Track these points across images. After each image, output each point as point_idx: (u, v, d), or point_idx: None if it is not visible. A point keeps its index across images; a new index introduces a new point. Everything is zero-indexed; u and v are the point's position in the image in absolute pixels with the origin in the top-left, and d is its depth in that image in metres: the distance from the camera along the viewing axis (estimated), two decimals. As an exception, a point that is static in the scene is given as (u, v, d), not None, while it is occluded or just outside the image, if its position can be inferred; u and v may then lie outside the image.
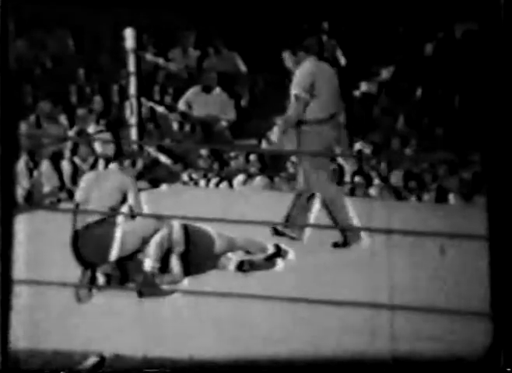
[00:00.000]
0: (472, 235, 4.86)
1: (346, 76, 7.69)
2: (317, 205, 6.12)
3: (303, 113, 6.31)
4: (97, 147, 7.32)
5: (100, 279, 5.17)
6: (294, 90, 6.33)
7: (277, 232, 5.85)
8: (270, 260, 5.63)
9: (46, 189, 6.97)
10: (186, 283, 5.36)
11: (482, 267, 4.35)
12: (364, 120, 7.54)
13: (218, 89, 7.69)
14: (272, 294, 4.96)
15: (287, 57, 6.34)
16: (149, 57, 7.71)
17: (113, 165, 5.75)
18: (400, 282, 5.27)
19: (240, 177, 7.30)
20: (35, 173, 7.03)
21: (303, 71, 6.42)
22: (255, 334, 4.70)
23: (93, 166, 7.20)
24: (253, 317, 4.90)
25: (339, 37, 7.91)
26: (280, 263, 5.65)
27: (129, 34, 7.19)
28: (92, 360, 4.47)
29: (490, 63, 3.78)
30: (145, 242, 5.34)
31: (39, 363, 4.52)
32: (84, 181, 5.79)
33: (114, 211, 5.42)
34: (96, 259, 5.27)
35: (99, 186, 5.60)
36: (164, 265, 5.34)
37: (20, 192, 6.85)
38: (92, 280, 5.14)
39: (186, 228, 5.53)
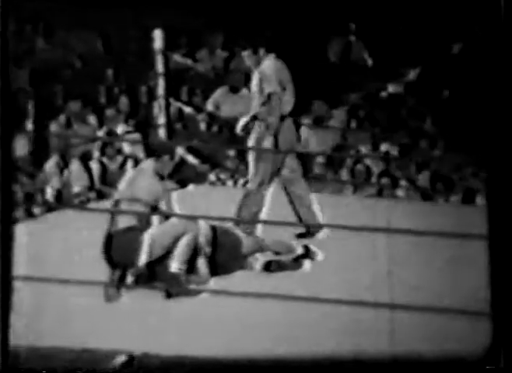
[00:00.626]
0: (472, 235, 4.87)
1: (373, 77, 7.69)
2: (268, 200, 6.15)
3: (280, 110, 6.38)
4: (126, 147, 7.38)
5: (129, 278, 5.21)
6: (269, 88, 6.34)
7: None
8: (297, 261, 5.64)
9: (75, 189, 7.03)
10: (212, 283, 5.38)
11: (482, 267, 4.36)
12: (391, 122, 7.54)
13: (245, 90, 7.72)
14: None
15: (247, 56, 6.36)
16: (177, 57, 7.76)
17: (148, 163, 5.76)
18: (400, 282, 5.28)
19: (267, 177, 7.32)
20: (65, 173, 7.09)
21: (270, 69, 6.44)
22: (279, 334, 4.71)
23: (122, 166, 7.26)
24: (277, 317, 4.91)
25: (366, 38, 7.91)
26: (307, 263, 5.67)
27: (157, 35, 7.24)
28: (120, 359, 4.51)
29: (490, 65, 3.79)
30: (175, 243, 5.37)
31: (65, 360, 4.55)
32: (125, 179, 5.80)
33: (151, 211, 5.44)
34: (127, 261, 5.30)
35: (140, 184, 5.62)
36: (191, 266, 5.36)
37: (50, 192, 6.92)
38: (122, 280, 5.17)
39: (214, 229, 5.55)
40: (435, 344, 4.54)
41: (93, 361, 4.51)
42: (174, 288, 5.17)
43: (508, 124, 3.76)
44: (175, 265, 5.28)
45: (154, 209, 5.46)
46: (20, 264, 4.94)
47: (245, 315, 4.97)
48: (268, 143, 6.59)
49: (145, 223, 5.44)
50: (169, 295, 5.18)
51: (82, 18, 8.05)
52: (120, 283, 5.15)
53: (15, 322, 4.64)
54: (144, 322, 4.92)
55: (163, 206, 5.53)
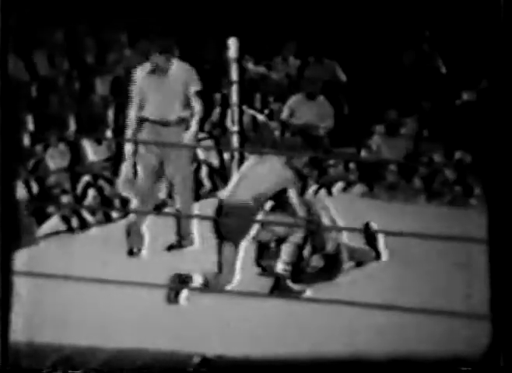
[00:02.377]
0: (472, 239, 4.81)
1: (447, 85, 7.66)
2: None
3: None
4: (200, 153, 7.49)
5: (198, 280, 5.26)
6: (197, 86, 6.28)
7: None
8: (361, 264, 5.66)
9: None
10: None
11: (481, 269, 4.33)
12: (465, 129, 7.48)
13: (321, 97, 7.76)
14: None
15: (157, 58, 6.30)
16: (250, 66, 7.86)
17: (275, 157, 5.55)
18: (400, 284, 5.25)
19: (339, 185, 7.35)
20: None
21: (185, 68, 6.38)
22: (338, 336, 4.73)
23: (196, 172, 7.37)
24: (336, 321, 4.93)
25: (440, 46, 7.87)
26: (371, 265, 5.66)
27: (232, 43, 7.34)
28: (196, 360, 4.58)
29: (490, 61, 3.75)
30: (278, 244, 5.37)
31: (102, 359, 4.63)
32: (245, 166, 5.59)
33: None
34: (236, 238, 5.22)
35: (253, 171, 5.43)
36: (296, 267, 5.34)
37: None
38: (183, 282, 5.21)
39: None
40: (435, 345, 4.52)
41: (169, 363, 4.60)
42: (278, 290, 5.19)
43: (508, 125, 3.73)
44: (281, 266, 5.29)
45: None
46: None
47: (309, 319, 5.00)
48: None
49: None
50: (272, 295, 5.20)
51: (161, 27, 8.21)
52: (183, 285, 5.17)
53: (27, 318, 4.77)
54: (201, 323, 4.98)
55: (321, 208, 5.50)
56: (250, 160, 5.54)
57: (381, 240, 5.80)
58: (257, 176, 5.35)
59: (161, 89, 6.15)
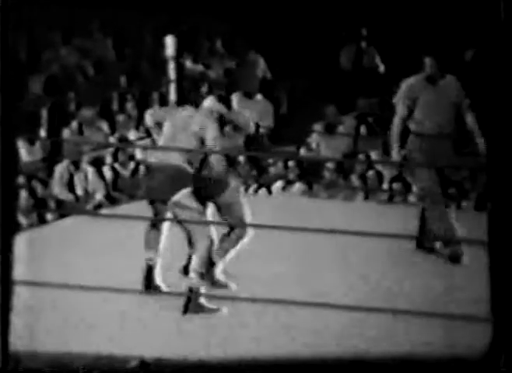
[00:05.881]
0: (472, 240, 4.84)
1: (385, 83, 7.68)
2: None
3: None
4: (138, 153, 7.40)
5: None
6: (467, 99, 6.10)
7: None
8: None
9: (95, 195, 7.07)
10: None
11: (482, 270, 4.37)
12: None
13: (259, 96, 7.73)
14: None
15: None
16: (188, 64, 7.78)
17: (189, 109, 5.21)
18: (400, 286, 5.28)
19: (279, 183, 7.33)
20: (75, 178, 7.13)
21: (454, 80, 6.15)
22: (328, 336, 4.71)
23: (134, 173, 7.28)
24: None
25: (378, 44, 7.91)
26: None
27: (169, 42, 7.27)
28: (133, 364, 4.52)
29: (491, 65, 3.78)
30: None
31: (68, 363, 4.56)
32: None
33: None
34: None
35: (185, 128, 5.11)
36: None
37: (63, 197, 6.96)
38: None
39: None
40: (435, 345, 4.54)
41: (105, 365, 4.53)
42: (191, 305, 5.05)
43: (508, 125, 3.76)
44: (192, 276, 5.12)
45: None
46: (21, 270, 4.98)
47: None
48: None
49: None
50: (185, 312, 5.05)
51: (98, 23, 8.09)
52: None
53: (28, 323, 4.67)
54: (146, 328, 4.92)
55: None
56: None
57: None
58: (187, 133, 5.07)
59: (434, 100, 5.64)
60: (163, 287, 5.12)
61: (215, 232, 5.04)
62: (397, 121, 5.69)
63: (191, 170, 4.99)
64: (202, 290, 4.96)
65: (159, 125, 5.19)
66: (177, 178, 4.97)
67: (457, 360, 4.35)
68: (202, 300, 4.94)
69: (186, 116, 5.08)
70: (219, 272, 5.21)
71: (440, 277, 5.39)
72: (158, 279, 5.12)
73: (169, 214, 5.04)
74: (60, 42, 8.10)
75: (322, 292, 5.18)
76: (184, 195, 4.97)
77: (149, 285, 5.11)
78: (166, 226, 5.12)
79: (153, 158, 5.04)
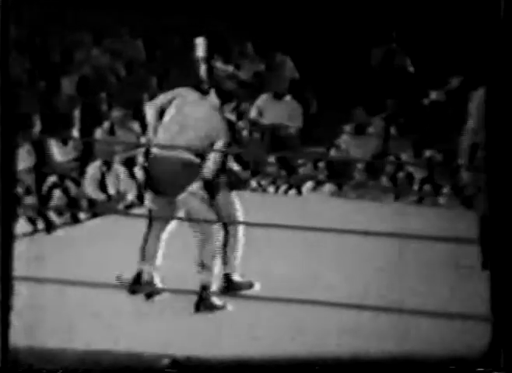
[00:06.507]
0: (470, 239, 4.82)
1: (415, 84, 7.68)
2: None
3: None
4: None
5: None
6: None
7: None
8: None
9: (121, 194, 7.12)
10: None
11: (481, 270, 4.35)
12: (434, 129, 7.52)
13: (289, 97, 7.75)
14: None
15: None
16: (219, 65, 7.82)
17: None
18: (400, 283, 5.28)
19: (309, 184, 7.35)
20: (107, 178, 7.19)
21: None
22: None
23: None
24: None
25: (408, 46, 7.90)
26: None
27: (200, 43, 7.30)
28: (164, 362, 4.54)
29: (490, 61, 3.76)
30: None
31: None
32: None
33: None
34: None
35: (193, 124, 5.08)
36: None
37: (96, 197, 7.02)
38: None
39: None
40: (435, 345, 4.53)
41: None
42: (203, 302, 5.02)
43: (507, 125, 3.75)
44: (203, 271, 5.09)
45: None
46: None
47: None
48: None
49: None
50: (197, 309, 5.02)
51: (129, 26, 8.15)
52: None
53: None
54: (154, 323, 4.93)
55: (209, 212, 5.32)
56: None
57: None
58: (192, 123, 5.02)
59: None
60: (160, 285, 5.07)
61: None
62: (470, 131, 5.45)
63: (200, 163, 4.99)
64: (214, 287, 4.95)
65: (161, 114, 5.10)
66: (188, 171, 4.97)
67: (457, 360, 4.34)
68: (214, 298, 4.93)
69: (196, 109, 5.05)
70: (235, 275, 5.19)
71: (441, 277, 5.38)
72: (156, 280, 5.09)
73: (180, 210, 5.00)
74: (91, 43, 8.17)
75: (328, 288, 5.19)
76: (196, 187, 4.97)
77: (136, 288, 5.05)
78: (171, 227, 5.10)
79: (163, 151, 5.00)
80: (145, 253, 5.06)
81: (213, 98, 5.22)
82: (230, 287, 5.09)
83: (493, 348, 3.86)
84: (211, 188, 5.05)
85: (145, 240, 5.08)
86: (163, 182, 4.96)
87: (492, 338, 3.87)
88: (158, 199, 5.01)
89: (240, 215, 5.18)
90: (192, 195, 4.95)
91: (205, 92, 5.29)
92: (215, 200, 5.11)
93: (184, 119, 5.02)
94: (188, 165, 4.96)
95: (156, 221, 5.07)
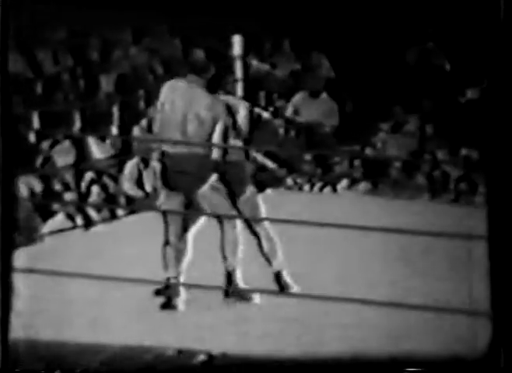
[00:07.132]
0: (472, 236, 4.80)
1: (451, 82, 7.66)
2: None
3: None
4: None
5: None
6: None
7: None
8: None
9: (158, 191, 7.18)
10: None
11: (482, 266, 4.32)
12: (471, 126, 7.49)
13: (325, 95, 7.77)
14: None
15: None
16: (255, 63, 7.87)
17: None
18: (399, 281, 5.26)
19: (344, 182, 7.36)
20: (144, 175, 7.26)
21: None
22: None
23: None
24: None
25: (444, 44, 7.88)
26: None
27: (236, 41, 7.35)
28: (200, 358, 4.58)
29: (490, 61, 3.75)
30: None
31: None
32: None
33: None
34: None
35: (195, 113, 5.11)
36: None
37: (132, 193, 7.09)
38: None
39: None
40: (435, 344, 4.52)
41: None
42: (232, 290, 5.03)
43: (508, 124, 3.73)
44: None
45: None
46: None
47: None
48: None
49: None
50: (227, 296, 5.05)
51: (167, 25, 8.22)
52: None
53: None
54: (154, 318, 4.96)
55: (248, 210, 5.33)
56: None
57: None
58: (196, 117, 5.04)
59: None
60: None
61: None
62: None
63: (213, 156, 5.02)
64: (239, 274, 4.98)
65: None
66: (203, 166, 5.00)
67: (457, 359, 4.33)
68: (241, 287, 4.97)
69: (189, 97, 5.06)
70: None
71: (441, 277, 5.37)
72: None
73: (202, 204, 5.02)
74: (130, 42, 8.26)
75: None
76: (213, 181, 5.01)
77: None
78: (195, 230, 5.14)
79: (175, 148, 5.03)
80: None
81: (197, 82, 5.18)
82: (233, 293, 5.09)
83: (493, 347, 3.86)
84: (226, 180, 5.09)
85: (164, 247, 5.10)
86: (178, 179, 5.00)
87: (492, 337, 3.86)
88: (172, 196, 5.05)
89: (261, 213, 5.21)
90: (211, 188, 4.99)
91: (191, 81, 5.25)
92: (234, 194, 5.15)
93: (181, 110, 5.03)
94: (202, 159, 4.99)
95: (174, 219, 5.09)
